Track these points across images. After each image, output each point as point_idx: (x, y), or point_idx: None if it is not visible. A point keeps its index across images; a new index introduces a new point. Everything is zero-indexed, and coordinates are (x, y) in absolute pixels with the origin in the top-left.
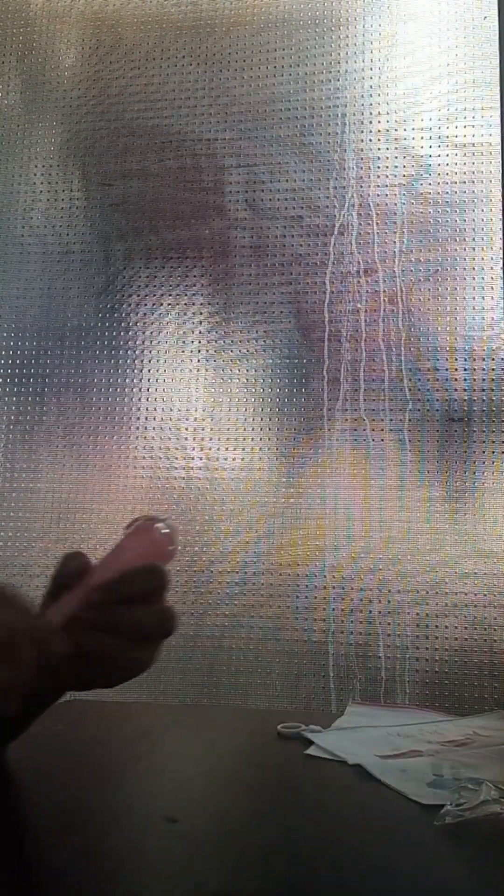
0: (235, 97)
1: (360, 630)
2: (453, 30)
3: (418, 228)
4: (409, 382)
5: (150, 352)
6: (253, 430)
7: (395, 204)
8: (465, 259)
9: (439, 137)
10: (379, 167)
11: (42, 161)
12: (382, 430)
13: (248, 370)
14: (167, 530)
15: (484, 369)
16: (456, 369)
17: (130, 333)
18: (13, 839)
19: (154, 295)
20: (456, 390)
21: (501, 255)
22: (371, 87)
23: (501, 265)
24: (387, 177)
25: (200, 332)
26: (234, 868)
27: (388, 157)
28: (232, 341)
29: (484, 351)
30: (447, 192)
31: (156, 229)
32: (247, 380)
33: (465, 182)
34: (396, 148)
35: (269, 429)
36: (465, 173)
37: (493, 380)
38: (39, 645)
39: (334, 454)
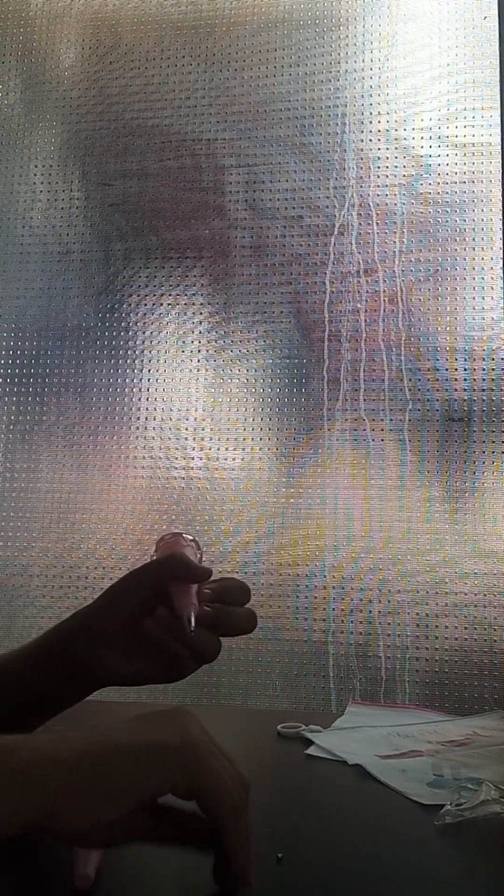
0: (235, 97)
1: (360, 630)
2: (453, 30)
3: (418, 228)
4: (409, 382)
5: (150, 352)
6: (253, 430)
7: (395, 204)
8: (465, 259)
9: (439, 137)
10: (379, 167)
11: (42, 161)
12: (382, 430)
13: (248, 370)
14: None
15: (484, 369)
16: (456, 369)
17: (130, 333)
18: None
19: (154, 295)
20: (456, 390)
21: (501, 255)
22: (371, 87)
23: (501, 265)
24: (387, 177)
25: (200, 332)
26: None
27: (388, 157)
28: (232, 341)
29: (484, 351)
30: (447, 192)
31: (155, 229)
32: (247, 380)
33: (465, 182)
34: (396, 148)
35: (269, 429)
36: (465, 173)
37: (493, 380)
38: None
39: (334, 454)
